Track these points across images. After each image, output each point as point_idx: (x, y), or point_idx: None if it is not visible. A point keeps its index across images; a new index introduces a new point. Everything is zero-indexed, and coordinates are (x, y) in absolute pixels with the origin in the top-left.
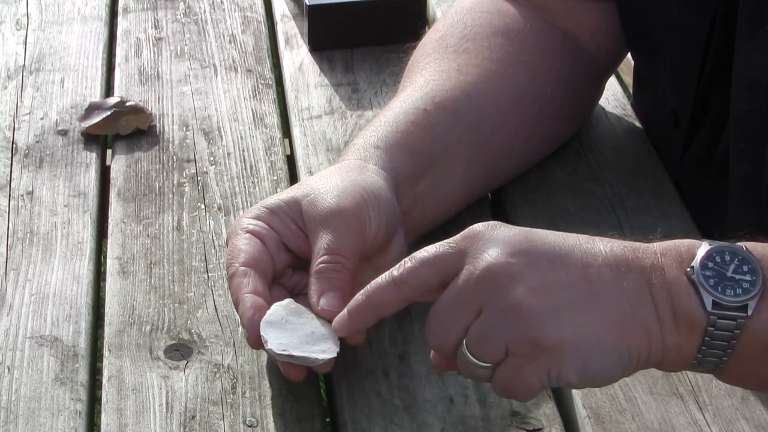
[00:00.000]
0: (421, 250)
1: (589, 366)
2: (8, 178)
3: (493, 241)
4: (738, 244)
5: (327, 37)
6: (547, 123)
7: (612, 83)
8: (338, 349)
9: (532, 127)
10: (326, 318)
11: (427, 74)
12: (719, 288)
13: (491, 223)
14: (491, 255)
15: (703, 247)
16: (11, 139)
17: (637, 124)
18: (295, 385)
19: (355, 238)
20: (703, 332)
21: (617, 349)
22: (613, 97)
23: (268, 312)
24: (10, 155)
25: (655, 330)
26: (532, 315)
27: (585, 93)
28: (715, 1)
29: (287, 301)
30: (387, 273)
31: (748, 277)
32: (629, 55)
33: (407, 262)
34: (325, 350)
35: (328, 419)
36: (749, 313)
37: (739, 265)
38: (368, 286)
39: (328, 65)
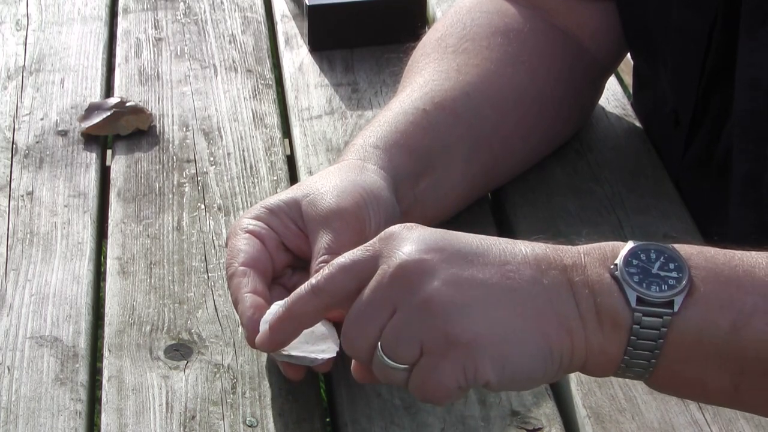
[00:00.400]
0: (339, 257)
1: (508, 364)
2: (8, 179)
3: (407, 240)
4: (666, 244)
5: (327, 37)
6: (546, 123)
7: (612, 83)
8: (338, 349)
9: (532, 126)
10: (325, 317)
11: (426, 74)
12: (644, 284)
13: (408, 224)
14: (405, 252)
15: (627, 246)
16: (11, 139)
17: (637, 124)
18: (295, 385)
19: (355, 238)
20: (629, 331)
21: (537, 347)
22: (613, 97)
23: (268, 312)
24: (10, 155)
25: (578, 329)
26: (445, 310)
27: (585, 93)
28: (716, 1)
29: (286, 300)
30: (306, 283)
31: (674, 274)
32: (629, 55)
33: (325, 270)
34: (324, 350)
35: (328, 419)
36: (676, 309)
37: (664, 262)
38: (288, 298)
39: (328, 65)
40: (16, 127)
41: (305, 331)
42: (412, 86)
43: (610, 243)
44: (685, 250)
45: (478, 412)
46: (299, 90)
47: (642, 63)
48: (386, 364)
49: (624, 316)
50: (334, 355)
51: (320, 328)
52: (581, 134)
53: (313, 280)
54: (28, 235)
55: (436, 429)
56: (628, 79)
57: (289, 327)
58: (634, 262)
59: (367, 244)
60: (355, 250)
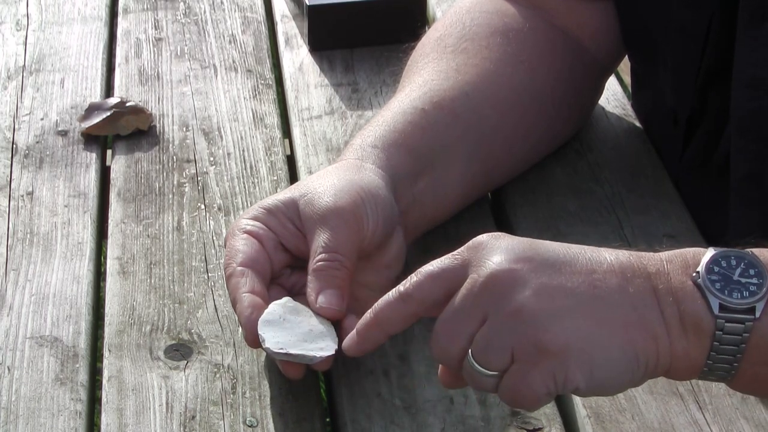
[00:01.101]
0: (427, 265)
1: (596, 371)
2: (8, 179)
3: (496, 249)
4: (745, 249)
5: (327, 37)
6: (546, 122)
7: (612, 83)
8: (336, 347)
9: (532, 126)
10: (325, 316)
11: (425, 74)
12: (726, 291)
13: (495, 233)
14: (495, 262)
15: (708, 253)
16: (11, 139)
17: (637, 124)
18: (295, 385)
19: (353, 237)
20: (712, 337)
21: (624, 354)
22: (613, 97)
23: (266, 311)
24: (10, 155)
25: (663, 335)
26: (536, 319)
27: (585, 93)
28: (715, 1)
29: (285, 299)
30: (394, 289)
31: (754, 280)
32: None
33: (413, 277)
34: (323, 348)
35: (328, 419)
36: (758, 315)
37: (745, 269)
38: (376, 304)
39: (328, 65)
40: (16, 127)
41: (303, 330)
42: (411, 86)
43: (691, 250)
44: (764, 254)
45: (478, 412)
46: (299, 90)
47: (640, 63)
48: (477, 371)
49: (707, 322)
50: (333, 353)
51: (319, 326)
52: (581, 134)
53: (401, 287)
54: (28, 235)
55: (436, 429)
56: (628, 79)
57: (376, 333)
58: (716, 269)
59: (455, 252)
60: (443, 258)
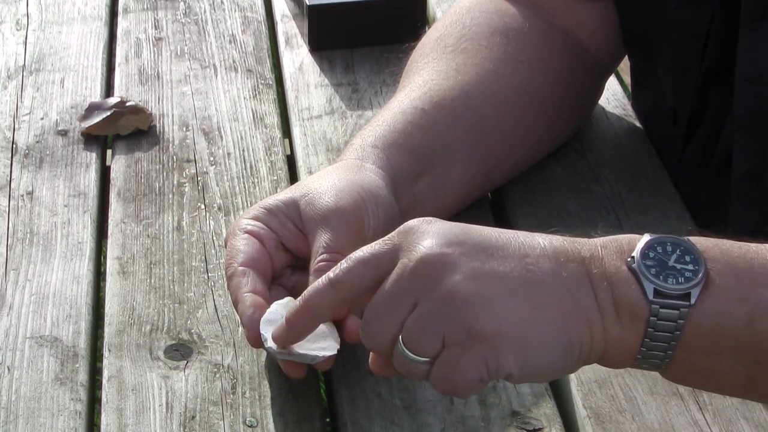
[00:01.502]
0: (357, 250)
1: (529, 357)
2: (8, 178)
3: (427, 233)
4: (682, 237)
5: (327, 37)
6: (546, 122)
7: (612, 83)
8: (338, 347)
9: (532, 126)
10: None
11: (425, 74)
12: (661, 277)
13: (426, 218)
14: (425, 246)
15: (643, 238)
16: (11, 139)
17: (637, 124)
18: (295, 385)
19: (354, 237)
20: (646, 323)
21: (558, 338)
22: (613, 97)
23: (268, 311)
24: (10, 155)
25: (596, 320)
26: (467, 302)
27: (585, 92)
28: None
29: (287, 299)
30: (324, 276)
31: (690, 267)
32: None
33: (343, 263)
34: (325, 347)
35: (328, 419)
36: (692, 301)
37: (681, 255)
38: (305, 291)
39: (328, 65)
40: (16, 126)
41: None
42: (411, 86)
43: (627, 236)
44: (700, 242)
45: (478, 412)
46: (299, 90)
47: (639, 63)
48: (408, 357)
49: (641, 308)
50: (335, 352)
51: (320, 326)
52: (581, 134)
53: (331, 273)
54: (28, 235)
55: (436, 429)
56: (628, 79)
57: (305, 320)
58: (651, 254)
59: (385, 237)
60: (373, 243)
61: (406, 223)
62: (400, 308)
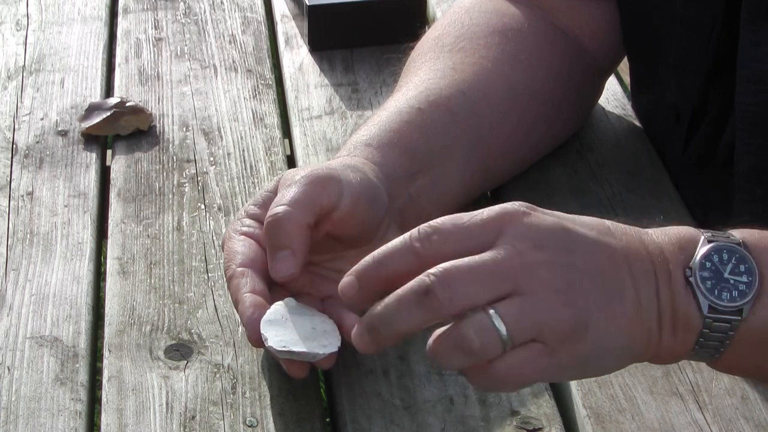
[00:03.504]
0: (449, 222)
1: (590, 368)
2: (8, 179)
3: (534, 228)
4: (735, 236)
5: (327, 37)
6: (545, 122)
7: (612, 83)
8: (339, 344)
9: (530, 125)
10: (279, 281)
11: (422, 73)
12: (716, 291)
13: (524, 206)
14: (535, 244)
15: (701, 246)
16: (11, 139)
17: (637, 123)
18: (295, 384)
19: (315, 193)
20: (698, 334)
21: (623, 351)
22: (613, 97)
23: (268, 311)
24: (10, 155)
25: (655, 330)
26: (585, 309)
27: (584, 93)
28: None
29: (287, 299)
30: (410, 234)
31: (744, 278)
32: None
33: (432, 235)
34: (326, 345)
35: (328, 419)
36: (744, 316)
37: (736, 264)
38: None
39: (328, 65)
40: (16, 127)
41: (306, 329)
42: (408, 86)
43: (684, 232)
44: (755, 243)
45: (478, 412)
46: (299, 90)
47: (639, 62)
48: (498, 331)
49: (696, 320)
50: (336, 349)
51: (321, 324)
52: (581, 134)
53: (414, 232)
54: (28, 235)
55: (436, 429)
56: (628, 79)
57: (374, 272)
58: (708, 264)
59: (483, 216)
60: (470, 215)
61: (504, 208)
62: (496, 287)
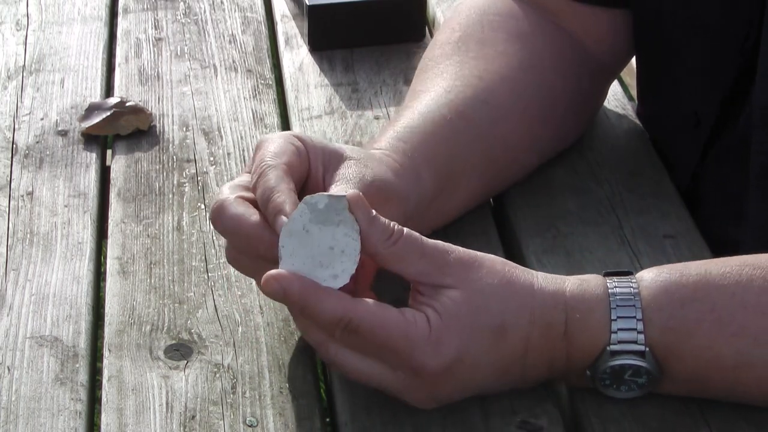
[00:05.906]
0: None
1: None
2: (8, 178)
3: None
4: (641, 345)
5: (327, 37)
6: (551, 131)
7: (613, 84)
8: (353, 272)
9: (537, 135)
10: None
11: (448, 77)
12: (614, 386)
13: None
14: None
15: (605, 357)
16: (11, 139)
17: (638, 123)
18: (295, 384)
19: (287, 140)
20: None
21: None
22: (613, 97)
23: (291, 217)
24: (10, 155)
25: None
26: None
27: (589, 99)
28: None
29: (318, 196)
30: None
31: (643, 379)
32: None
33: (364, 316)
34: (337, 274)
35: (328, 419)
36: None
37: (636, 370)
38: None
39: (328, 65)
40: (16, 127)
41: (324, 247)
42: (436, 89)
43: (591, 332)
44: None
45: (478, 411)
46: (299, 90)
47: (650, 67)
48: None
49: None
50: (347, 281)
51: (342, 240)
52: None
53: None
54: (28, 235)
55: (436, 429)
56: (629, 80)
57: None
58: (606, 379)
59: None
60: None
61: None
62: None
